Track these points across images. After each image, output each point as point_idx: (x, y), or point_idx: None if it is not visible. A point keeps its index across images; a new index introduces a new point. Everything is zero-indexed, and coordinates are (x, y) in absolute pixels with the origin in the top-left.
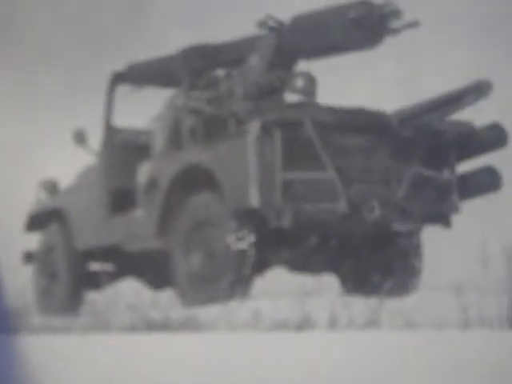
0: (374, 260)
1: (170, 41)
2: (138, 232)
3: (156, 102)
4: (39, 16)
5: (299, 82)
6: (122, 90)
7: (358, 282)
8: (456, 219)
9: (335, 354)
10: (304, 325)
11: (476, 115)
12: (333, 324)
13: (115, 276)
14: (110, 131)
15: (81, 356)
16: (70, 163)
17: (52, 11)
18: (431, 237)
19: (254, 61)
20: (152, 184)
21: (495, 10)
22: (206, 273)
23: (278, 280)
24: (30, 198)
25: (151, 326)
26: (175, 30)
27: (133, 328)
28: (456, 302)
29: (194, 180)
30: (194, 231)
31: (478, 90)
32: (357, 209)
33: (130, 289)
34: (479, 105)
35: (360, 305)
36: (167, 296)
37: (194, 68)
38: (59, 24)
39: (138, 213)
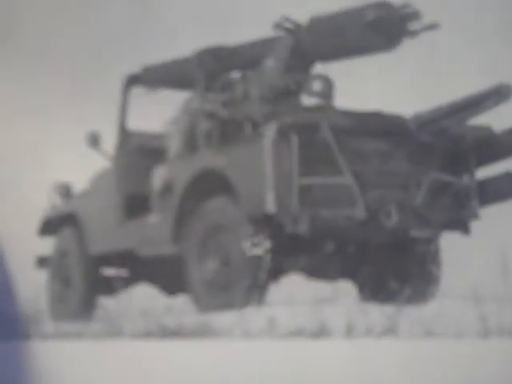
0: (391, 267)
1: (184, 43)
2: (153, 237)
3: (171, 104)
4: (52, 19)
5: (316, 85)
6: (137, 92)
7: (376, 289)
8: (475, 226)
9: (352, 363)
10: (320, 332)
11: (496, 119)
12: (350, 332)
13: (129, 281)
14: (125, 134)
15: (94, 362)
16: (83, 167)
17: (65, 14)
18: (450, 243)
19: (270, 63)
20: (167, 188)
21: None
22: (220, 279)
23: (294, 287)
24: (43, 203)
25: (165, 333)
26: (189, 33)
27: (147, 334)
28: (475, 311)
29: (209, 184)
30: (208, 237)
31: (498, 94)
32: (374, 214)
33: (143, 294)
34: (499, 109)
35: (377, 312)
36: (181, 302)
37: (209, 70)
38: (72, 27)
39: (153, 218)
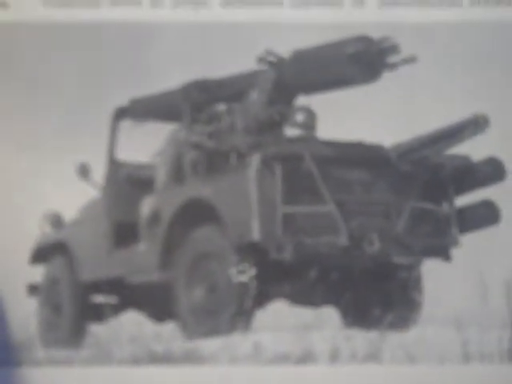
0: (374, 293)
1: (171, 76)
2: (141, 265)
3: (159, 136)
4: (41, 51)
5: (299, 117)
6: (125, 124)
7: (359, 315)
8: (455, 253)
9: None
10: (305, 358)
11: (474, 149)
12: (334, 357)
13: (118, 308)
14: (114, 165)
15: None
16: (73, 197)
17: (53, 49)
18: (431, 270)
19: (255, 95)
20: (154, 217)
21: (492, 45)
22: (207, 305)
23: (278, 313)
24: (33, 231)
25: (153, 358)
26: (176, 66)
27: (135, 360)
28: (456, 336)
29: (196, 213)
30: (195, 264)
31: (476, 125)
32: (357, 242)
33: (132, 321)
34: (477, 139)
35: (361, 338)
36: (169, 328)
37: (195, 103)
38: (61, 59)
39: (141, 246)
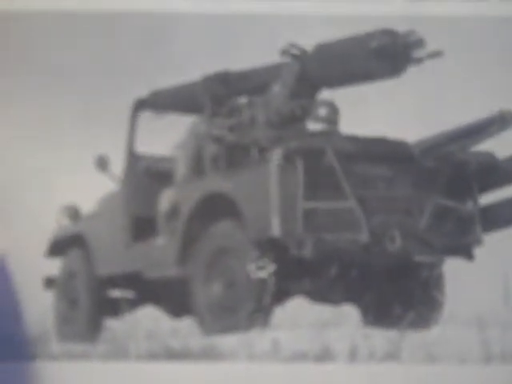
0: (395, 292)
1: (193, 69)
2: (159, 259)
3: (179, 128)
4: (60, 43)
5: (321, 111)
6: (145, 116)
7: (379, 313)
8: (478, 252)
9: None
10: (324, 356)
11: (499, 146)
12: (353, 356)
13: (135, 303)
14: (133, 158)
15: (100, 383)
16: (91, 189)
17: (73, 37)
18: (453, 269)
19: (277, 89)
20: (173, 211)
21: None
22: (225, 301)
23: (297, 310)
24: (51, 224)
25: (170, 355)
26: (198, 59)
27: (152, 356)
28: (478, 336)
29: (215, 208)
30: (214, 259)
31: (502, 121)
32: (378, 239)
33: (149, 316)
34: (502, 136)
35: (380, 337)
36: (187, 324)
37: (216, 95)
38: (80, 50)
39: (159, 240)
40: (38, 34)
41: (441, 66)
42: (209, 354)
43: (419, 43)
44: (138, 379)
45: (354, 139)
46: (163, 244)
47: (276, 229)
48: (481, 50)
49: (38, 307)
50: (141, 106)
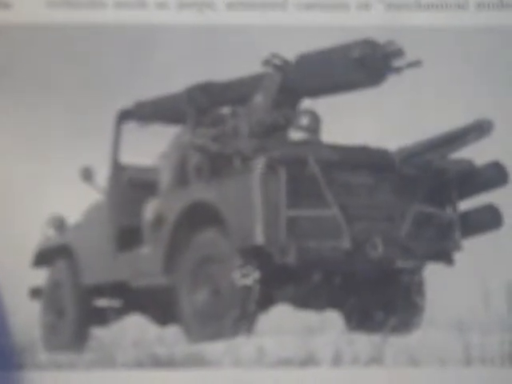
0: (377, 297)
1: (176, 79)
2: (145, 268)
3: (163, 139)
4: (45, 55)
5: (304, 120)
6: (129, 127)
7: (362, 318)
8: (458, 257)
9: None
10: (308, 361)
11: (477, 154)
12: (337, 361)
13: (121, 312)
14: (117, 168)
15: None
16: (77, 200)
17: (55, 51)
18: (433, 274)
19: (259, 99)
20: (158, 221)
21: (498, 50)
22: (211, 309)
23: (282, 317)
24: (36, 235)
25: (157, 362)
26: (181, 69)
27: (138, 364)
28: (459, 340)
29: (199, 217)
30: (199, 267)
31: (480, 129)
32: (360, 246)
33: (135, 325)
34: (480, 143)
35: (364, 342)
36: (172, 332)
37: (199, 106)
38: (65, 62)
39: (145, 249)
40: (22, 46)
41: (420, 75)
42: (195, 362)
43: (398, 53)
44: None
45: (335, 148)
46: (148, 253)
47: (259, 237)
48: (459, 59)
49: (25, 317)
50: (124, 116)
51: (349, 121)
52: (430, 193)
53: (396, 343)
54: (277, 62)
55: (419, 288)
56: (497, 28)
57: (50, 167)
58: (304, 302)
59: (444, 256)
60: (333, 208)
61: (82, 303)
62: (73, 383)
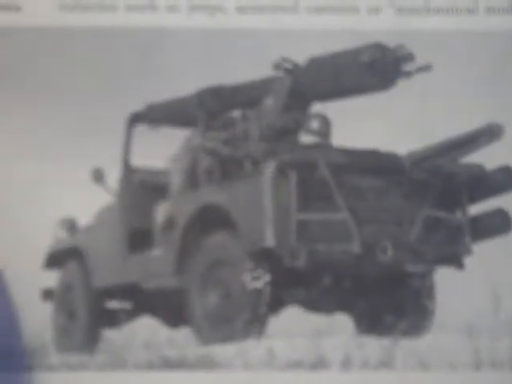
0: (387, 300)
1: (186, 82)
2: (156, 270)
3: (174, 142)
4: (55, 58)
5: (314, 124)
6: (140, 129)
7: (372, 322)
8: (468, 261)
9: None
10: (318, 364)
11: (488, 158)
12: (347, 364)
13: (132, 314)
14: (128, 170)
15: None
16: (88, 202)
17: (66, 54)
18: (444, 278)
19: (270, 102)
20: (169, 223)
21: (508, 54)
22: (221, 311)
23: (292, 319)
24: (48, 237)
25: (167, 364)
26: (191, 72)
27: (149, 366)
28: (468, 344)
29: (210, 220)
30: (210, 270)
31: (490, 133)
32: (370, 249)
33: (146, 327)
34: (491, 148)
35: (374, 345)
36: (183, 334)
37: (210, 109)
38: (76, 65)
39: (156, 252)
40: (33, 49)
41: (430, 79)
42: (205, 364)
43: (409, 57)
44: None
45: (345, 151)
46: (159, 255)
47: (270, 240)
48: (469, 64)
49: (37, 319)
50: (136, 119)
51: (359, 125)
52: (440, 197)
53: (406, 347)
54: (287, 65)
55: (429, 292)
56: (506, 32)
57: (62, 169)
58: (314, 304)
59: (454, 260)
60: (343, 211)
61: (93, 305)
62: None
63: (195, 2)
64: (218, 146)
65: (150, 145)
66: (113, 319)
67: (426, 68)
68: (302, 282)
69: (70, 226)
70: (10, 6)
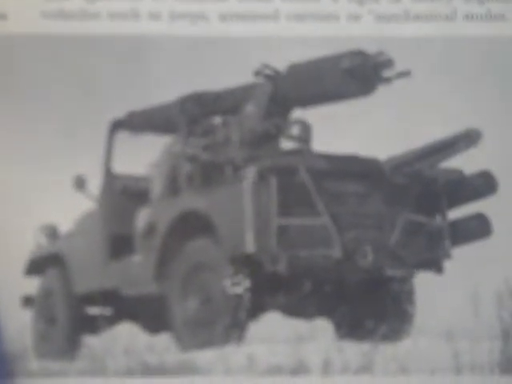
0: (367, 305)
1: (168, 89)
2: (136, 277)
3: (155, 148)
4: (40, 65)
5: (294, 130)
6: (122, 136)
7: (352, 327)
8: (447, 265)
9: None
10: (298, 369)
11: (466, 163)
12: (327, 369)
13: (112, 320)
14: (110, 177)
15: None
16: (69, 208)
17: (51, 61)
18: (423, 282)
19: (251, 108)
20: (150, 229)
21: (486, 60)
22: (202, 317)
23: (272, 324)
24: (29, 243)
25: (147, 370)
26: (173, 79)
27: (129, 372)
28: (448, 347)
29: (191, 225)
30: (190, 276)
31: (469, 139)
32: (350, 254)
33: (126, 333)
34: (470, 153)
35: (354, 350)
36: (163, 340)
37: (191, 115)
38: (58, 71)
39: (136, 258)
40: (18, 56)
41: (409, 85)
42: (185, 369)
43: (388, 63)
44: None
45: (326, 157)
46: (140, 261)
47: (250, 245)
48: (447, 70)
49: (17, 325)
50: (117, 126)
51: (339, 130)
52: (420, 202)
53: (386, 351)
54: (268, 72)
55: (409, 296)
56: (484, 38)
57: (43, 176)
58: (294, 310)
59: (434, 264)
60: (323, 217)
61: (73, 311)
62: None
63: (178, 10)
64: (199, 151)
65: (132, 151)
66: (93, 325)
67: (405, 74)
68: (282, 287)
69: (51, 232)
70: None
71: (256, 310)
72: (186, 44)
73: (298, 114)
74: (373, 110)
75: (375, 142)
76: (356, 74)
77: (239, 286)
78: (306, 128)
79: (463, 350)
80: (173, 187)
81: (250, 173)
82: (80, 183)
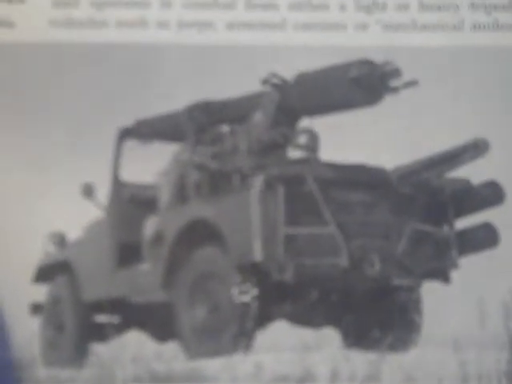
0: (374, 314)
1: (176, 98)
2: (144, 285)
3: (163, 157)
4: (47, 74)
5: (302, 139)
6: (130, 145)
7: (359, 336)
8: (454, 275)
9: None
10: (305, 378)
11: (474, 173)
12: (334, 378)
13: (120, 328)
14: (118, 185)
15: None
16: (77, 216)
17: (58, 69)
18: (430, 292)
19: (258, 117)
20: (158, 238)
21: (493, 70)
22: (209, 325)
23: (279, 333)
24: (37, 250)
25: (155, 378)
26: (180, 88)
27: (137, 380)
28: (455, 357)
29: (198, 234)
30: (198, 284)
31: (476, 149)
32: (357, 263)
33: (134, 341)
34: (477, 163)
35: (361, 359)
36: (171, 348)
37: (199, 124)
38: (66, 79)
39: (144, 266)
40: (25, 65)
41: (417, 94)
42: (193, 378)
43: (395, 73)
44: None
45: (333, 166)
46: (148, 269)
47: (258, 254)
48: (455, 79)
49: (25, 333)
50: (125, 134)
51: (346, 139)
52: (427, 211)
53: (393, 361)
54: (275, 81)
55: (416, 306)
56: (492, 48)
57: (52, 184)
58: (301, 318)
59: (440, 274)
60: (330, 226)
61: (81, 319)
62: None
63: (185, 18)
64: (207, 160)
65: (140, 160)
66: (101, 333)
67: (412, 83)
68: (289, 295)
69: (60, 240)
70: (4, 22)
71: (263, 318)
72: (193, 52)
73: (305, 123)
74: (380, 119)
75: (382, 152)
76: (363, 84)
77: (247, 294)
78: (313, 137)
79: (470, 360)
80: (181, 195)
81: (258, 181)
82: (88, 191)
